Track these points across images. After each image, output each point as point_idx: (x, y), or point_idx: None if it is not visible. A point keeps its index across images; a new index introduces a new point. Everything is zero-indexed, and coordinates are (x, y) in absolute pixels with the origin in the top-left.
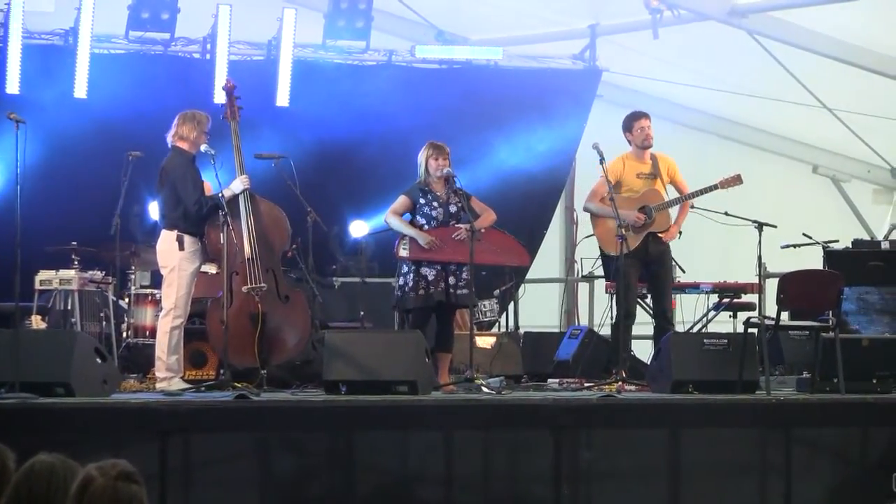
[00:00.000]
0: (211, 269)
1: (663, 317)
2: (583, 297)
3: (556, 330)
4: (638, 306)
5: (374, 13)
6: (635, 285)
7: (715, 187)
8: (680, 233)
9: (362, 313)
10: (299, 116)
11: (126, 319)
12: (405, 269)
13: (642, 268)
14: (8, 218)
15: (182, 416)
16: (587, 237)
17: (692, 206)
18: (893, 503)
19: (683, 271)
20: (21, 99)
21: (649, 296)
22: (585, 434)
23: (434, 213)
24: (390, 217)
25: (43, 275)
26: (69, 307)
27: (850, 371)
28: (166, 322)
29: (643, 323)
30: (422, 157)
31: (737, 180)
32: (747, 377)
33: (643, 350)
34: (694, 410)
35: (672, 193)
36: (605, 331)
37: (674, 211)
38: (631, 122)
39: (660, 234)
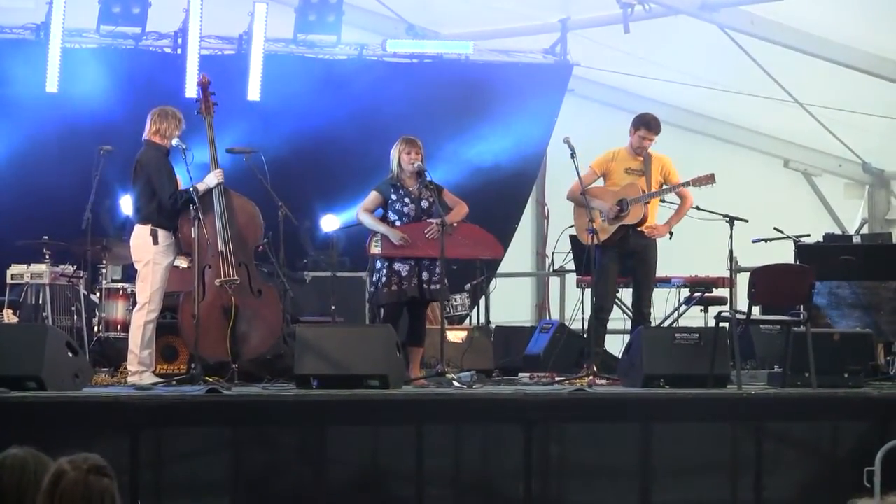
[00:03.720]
0: (183, 263)
1: (638, 312)
2: (554, 292)
3: (528, 324)
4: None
5: (345, 7)
6: (614, 280)
7: (687, 184)
8: (671, 233)
9: (333, 307)
10: (270, 111)
11: (97, 314)
12: (378, 265)
13: (621, 262)
14: None
15: (153, 410)
16: (567, 229)
17: (662, 201)
18: (865, 498)
19: None
20: None
21: (628, 290)
22: (556, 428)
23: (406, 209)
24: (362, 214)
25: (14, 269)
26: (40, 301)
27: (821, 365)
28: (140, 316)
29: (616, 318)
30: (394, 151)
31: (710, 179)
32: (718, 371)
33: (615, 344)
34: (665, 405)
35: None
36: (576, 325)
37: (665, 209)
38: (639, 127)
39: (641, 229)
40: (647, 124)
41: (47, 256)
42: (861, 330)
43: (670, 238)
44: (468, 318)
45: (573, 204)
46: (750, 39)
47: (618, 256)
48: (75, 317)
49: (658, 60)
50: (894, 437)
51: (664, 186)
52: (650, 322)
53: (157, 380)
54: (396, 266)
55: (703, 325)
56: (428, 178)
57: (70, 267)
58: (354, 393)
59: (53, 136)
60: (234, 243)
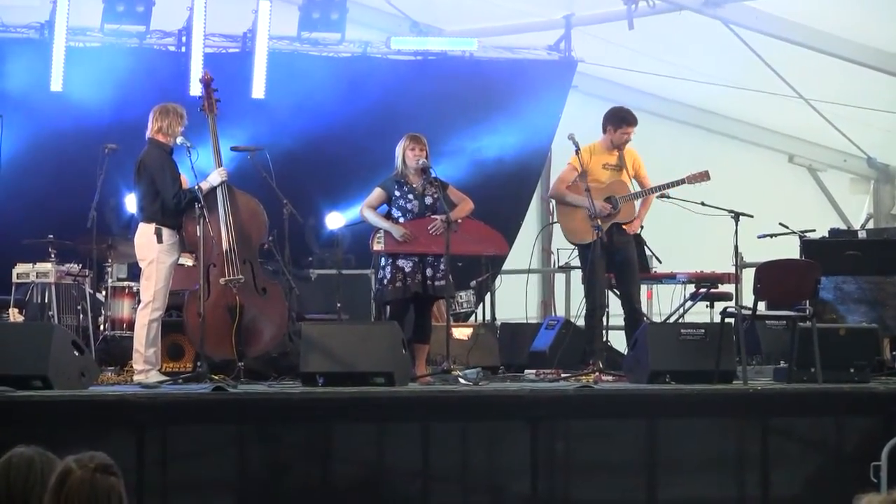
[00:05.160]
0: (188, 261)
1: (631, 306)
2: (559, 288)
3: (533, 321)
4: (610, 296)
5: (349, 5)
6: (602, 276)
7: (682, 181)
8: (642, 226)
9: (339, 305)
10: (275, 108)
11: (103, 312)
12: (383, 262)
13: (607, 258)
14: None
15: (159, 408)
16: (554, 223)
17: (669, 197)
18: (871, 493)
19: (660, 262)
20: None
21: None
22: (562, 425)
23: (410, 206)
24: (365, 210)
25: (20, 268)
26: (46, 300)
27: (827, 360)
28: (144, 315)
29: (620, 314)
30: (399, 148)
31: (704, 176)
32: (724, 367)
33: (620, 340)
34: (671, 401)
35: (636, 186)
36: (582, 321)
37: (638, 203)
38: (619, 124)
39: (623, 226)
40: (625, 120)
41: (53, 255)
42: (867, 325)
43: (640, 230)
44: (473, 315)
45: (555, 203)
46: (754, 35)
47: (603, 254)
48: (81, 315)
49: (662, 56)
50: None
51: (659, 185)
52: (643, 314)
53: (163, 378)
54: (400, 262)
55: (708, 320)
56: (433, 175)
57: (75, 265)
58: (360, 390)
59: (58, 135)
60: (239, 241)
